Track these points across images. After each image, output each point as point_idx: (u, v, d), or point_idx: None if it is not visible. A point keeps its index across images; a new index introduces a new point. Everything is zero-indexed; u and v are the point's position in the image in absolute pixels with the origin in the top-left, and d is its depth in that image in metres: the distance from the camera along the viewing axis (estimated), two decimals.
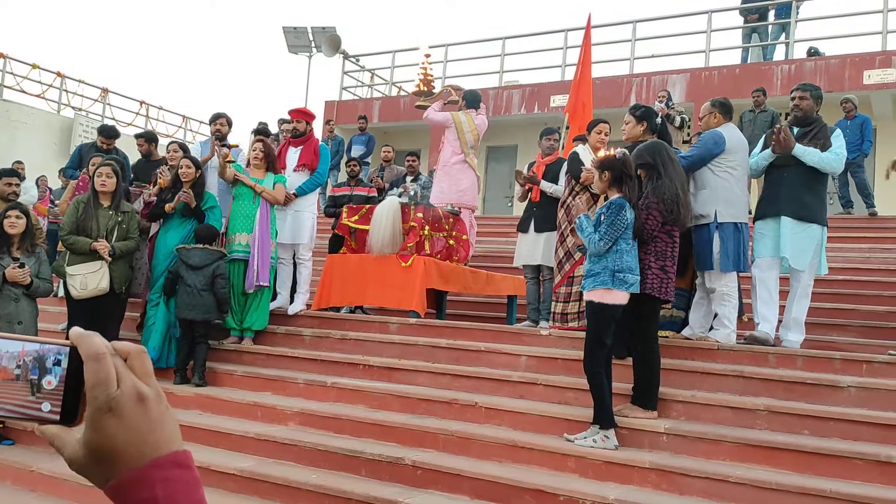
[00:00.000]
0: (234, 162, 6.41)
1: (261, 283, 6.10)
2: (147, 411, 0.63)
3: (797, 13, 12.92)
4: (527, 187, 6.63)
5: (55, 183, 11.29)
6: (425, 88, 7.88)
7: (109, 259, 5.59)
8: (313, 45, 16.98)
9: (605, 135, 6.05)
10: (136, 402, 0.62)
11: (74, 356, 0.63)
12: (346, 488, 4.16)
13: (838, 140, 5.25)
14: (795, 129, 5.34)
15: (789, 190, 5.14)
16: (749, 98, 10.58)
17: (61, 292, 6.89)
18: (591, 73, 7.59)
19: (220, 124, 7.44)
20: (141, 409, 0.63)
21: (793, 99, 5.39)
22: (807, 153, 5.16)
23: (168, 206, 6.08)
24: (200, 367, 5.76)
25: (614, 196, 4.42)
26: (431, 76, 7.93)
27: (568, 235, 5.76)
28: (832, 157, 5.17)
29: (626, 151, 4.49)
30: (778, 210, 5.14)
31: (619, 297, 4.28)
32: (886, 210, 9.98)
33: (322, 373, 5.69)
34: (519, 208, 9.68)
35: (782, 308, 5.32)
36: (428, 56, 8.03)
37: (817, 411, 4.25)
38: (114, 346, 0.64)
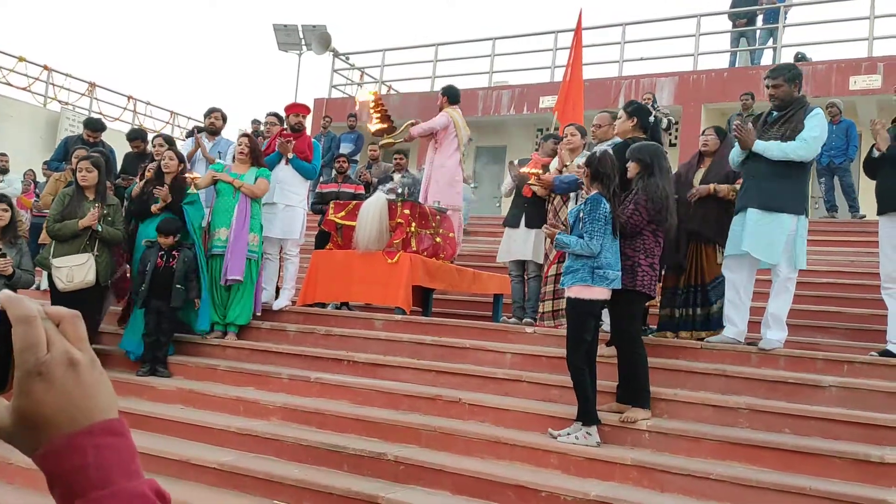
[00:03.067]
0: (192, 189, 6.26)
1: (234, 278, 6.05)
2: (79, 376, 0.61)
3: (785, 18, 13.01)
4: (516, 184, 6.64)
5: (42, 178, 11.19)
6: (386, 125, 7.44)
7: (99, 225, 5.52)
8: (303, 42, 16.93)
9: (572, 135, 6.09)
10: (66, 366, 0.60)
11: (3, 320, 0.60)
12: (328, 483, 4.14)
13: (812, 121, 4.80)
14: (774, 113, 5.08)
15: (756, 180, 4.90)
16: (737, 101, 10.64)
17: (44, 285, 6.83)
18: (581, 72, 7.57)
19: (215, 118, 7.45)
20: (72, 374, 0.60)
21: (767, 88, 5.09)
22: (767, 149, 4.82)
23: (154, 208, 6.03)
24: (151, 359, 5.74)
25: (593, 192, 4.44)
26: (387, 111, 7.46)
27: (546, 238, 5.79)
28: (797, 146, 4.76)
29: (608, 150, 4.52)
30: (745, 203, 4.93)
31: (598, 294, 4.27)
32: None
33: (306, 368, 5.67)
34: (506, 208, 9.68)
35: (758, 310, 5.19)
36: (377, 95, 7.59)
37: (798, 410, 4.27)
38: (46, 311, 0.62)
